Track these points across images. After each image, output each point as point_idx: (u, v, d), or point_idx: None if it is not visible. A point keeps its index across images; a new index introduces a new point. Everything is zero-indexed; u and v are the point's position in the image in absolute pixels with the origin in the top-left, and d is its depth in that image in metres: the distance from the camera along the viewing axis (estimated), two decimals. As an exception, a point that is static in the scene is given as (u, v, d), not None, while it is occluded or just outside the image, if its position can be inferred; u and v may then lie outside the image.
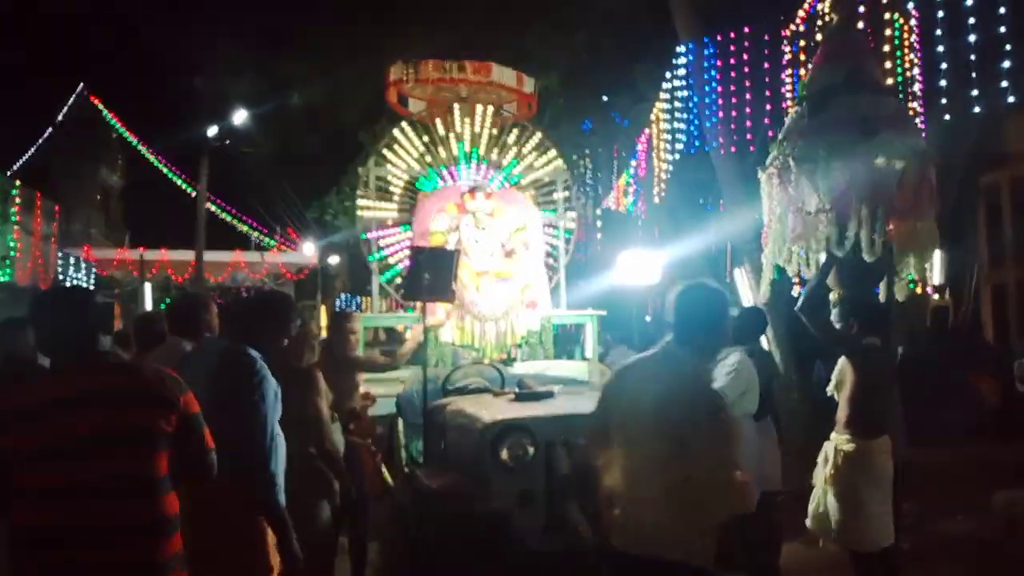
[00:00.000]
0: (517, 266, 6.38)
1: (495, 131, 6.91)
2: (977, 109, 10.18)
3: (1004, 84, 9.70)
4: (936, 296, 11.92)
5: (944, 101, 10.55)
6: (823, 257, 4.10)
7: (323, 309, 20.37)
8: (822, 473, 3.91)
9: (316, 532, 3.27)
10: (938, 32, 10.15)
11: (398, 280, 6.53)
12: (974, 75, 9.89)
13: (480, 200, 6.43)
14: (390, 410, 5.51)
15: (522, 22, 10.64)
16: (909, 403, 9.37)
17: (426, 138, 6.85)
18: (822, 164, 3.89)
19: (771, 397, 4.95)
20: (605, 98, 13.37)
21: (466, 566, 3.54)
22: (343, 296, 25.19)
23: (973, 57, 9.75)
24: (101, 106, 21.15)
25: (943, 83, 10.49)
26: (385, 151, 6.83)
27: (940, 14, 9.88)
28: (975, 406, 10.91)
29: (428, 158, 6.81)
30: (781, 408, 5.15)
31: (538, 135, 7.13)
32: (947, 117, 10.97)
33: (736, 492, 2.44)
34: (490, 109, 6.92)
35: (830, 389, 4.08)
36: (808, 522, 4.02)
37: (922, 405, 10.30)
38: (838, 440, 3.87)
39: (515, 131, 7.06)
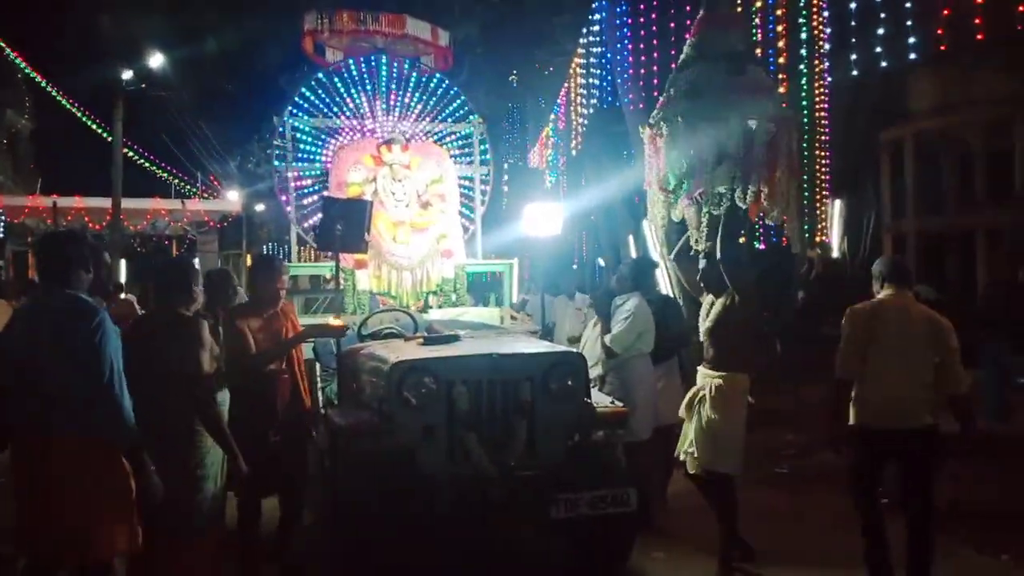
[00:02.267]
0: (433, 217, 6.61)
1: (411, 83, 7.04)
2: (884, 64, 10.73)
3: (910, 40, 10.21)
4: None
5: (853, 57, 11.08)
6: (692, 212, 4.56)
7: (248, 258, 20.13)
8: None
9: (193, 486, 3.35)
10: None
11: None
12: (880, 32, 10.40)
13: (397, 152, 6.60)
14: (307, 355, 5.73)
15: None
16: (805, 345, 10.13)
17: (342, 89, 6.94)
18: (686, 127, 4.28)
19: (672, 339, 5.42)
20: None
21: (375, 496, 3.79)
22: (269, 245, 24.85)
23: (882, 15, 10.24)
24: (3, 44, 19.91)
25: (852, 40, 10.98)
26: (300, 101, 6.89)
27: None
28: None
29: (344, 109, 6.92)
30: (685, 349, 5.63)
31: (454, 89, 7.30)
32: (854, 73, 11.55)
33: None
34: (406, 63, 7.04)
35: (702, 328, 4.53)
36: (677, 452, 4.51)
37: (815, 348, 11.15)
38: (704, 374, 4.36)
39: (431, 84, 7.20)
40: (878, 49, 9.74)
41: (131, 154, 20.12)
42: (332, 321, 4.53)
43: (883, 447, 3.86)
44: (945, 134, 15.46)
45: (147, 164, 22.11)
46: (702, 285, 4.51)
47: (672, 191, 4.55)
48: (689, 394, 4.47)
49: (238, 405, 3.69)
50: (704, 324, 4.42)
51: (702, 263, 4.50)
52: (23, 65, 20.69)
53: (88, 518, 2.91)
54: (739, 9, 9.26)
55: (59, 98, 19.90)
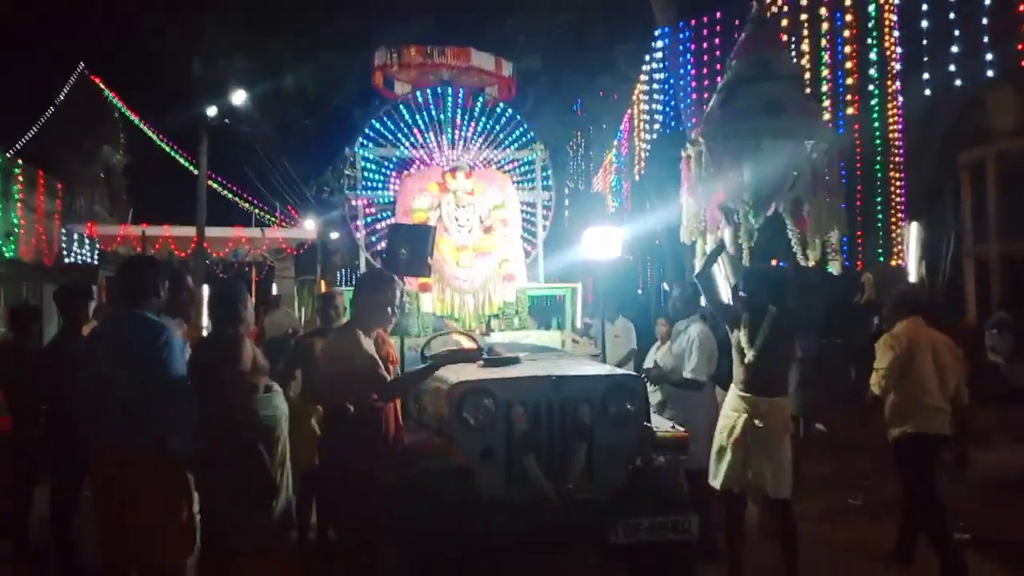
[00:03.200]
0: (495, 241, 6.72)
1: (476, 113, 7.23)
2: (958, 83, 10.36)
3: (987, 57, 9.82)
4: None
5: (926, 76, 10.76)
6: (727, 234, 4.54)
7: (323, 283, 20.76)
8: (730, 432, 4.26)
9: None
10: (923, 7, 10.29)
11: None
12: (955, 50, 10.08)
13: (460, 179, 6.77)
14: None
15: (504, 4, 10.90)
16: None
17: (409, 120, 7.19)
18: (730, 148, 4.28)
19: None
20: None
21: (434, 517, 3.84)
22: (343, 270, 25.56)
23: (956, 32, 9.93)
24: (101, 85, 21.37)
25: (925, 59, 10.67)
26: (370, 132, 7.17)
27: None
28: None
29: (411, 140, 7.15)
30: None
31: (517, 117, 7.45)
32: (927, 92, 11.19)
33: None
34: (471, 92, 7.25)
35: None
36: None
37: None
38: (745, 398, 4.25)
39: (495, 113, 7.38)
40: (952, 67, 9.44)
41: (215, 186, 21.18)
42: (465, 343, 4.45)
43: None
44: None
45: (230, 195, 23.22)
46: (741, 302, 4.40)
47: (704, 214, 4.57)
48: (729, 421, 4.30)
49: (344, 440, 3.60)
50: (746, 347, 4.28)
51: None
52: (119, 104, 22.12)
53: (153, 526, 3.08)
54: (784, 33, 9.18)
55: (150, 134, 21.18)
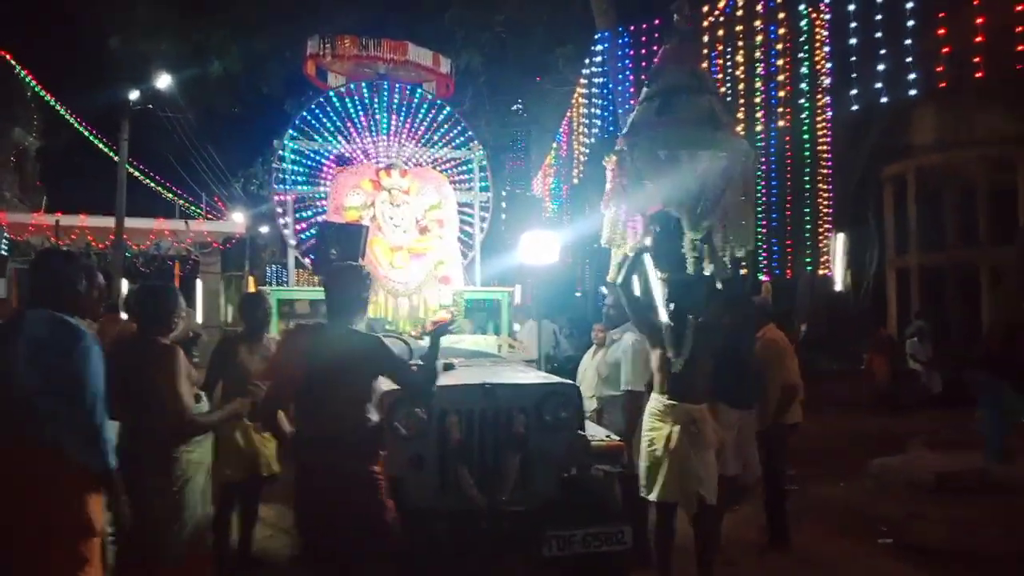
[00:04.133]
0: (431, 243, 6.57)
1: (412, 109, 7.06)
2: (884, 100, 10.72)
3: (911, 76, 10.17)
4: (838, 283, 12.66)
5: (854, 92, 11.08)
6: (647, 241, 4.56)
7: (251, 280, 20.15)
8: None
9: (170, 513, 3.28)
10: (852, 24, 10.57)
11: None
12: (881, 67, 10.41)
13: (395, 177, 6.59)
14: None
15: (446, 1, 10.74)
16: (807, 379, 10.03)
17: (343, 114, 6.95)
18: (667, 157, 4.28)
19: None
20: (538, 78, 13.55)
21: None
22: (272, 266, 24.86)
23: (883, 51, 10.25)
24: (13, 62, 20.12)
25: (853, 75, 10.99)
26: (301, 125, 6.90)
27: (851, 7, 10.31)
28: (868, 383, 11.72)
29: (344, 134, 6.92)
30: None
31: (455, 115, 7.31)
32: (855, 108, 11.55)
33: None
34: (407, 89, 7.07)
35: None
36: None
37: (818, 381, 11.04)
38: (675, 407, 4.22)
39: (433, 110, 7.22)
40: (879, 85, 9.76)
41: (136, 174, 20.23)
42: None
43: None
44: (947, 170, 15.49)
45: (152, 184, 22.24)
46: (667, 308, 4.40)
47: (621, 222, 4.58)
48: (661, 431, 4.20)
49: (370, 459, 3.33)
50: (673, 356, 4.25)
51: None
52: (32, 83, 20.90)
53: (48, 538, 2.82)
54: (719, 43, 9.34)
55: (66, 116, 20.08)
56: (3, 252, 17.72)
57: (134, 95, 16.12)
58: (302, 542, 3.25)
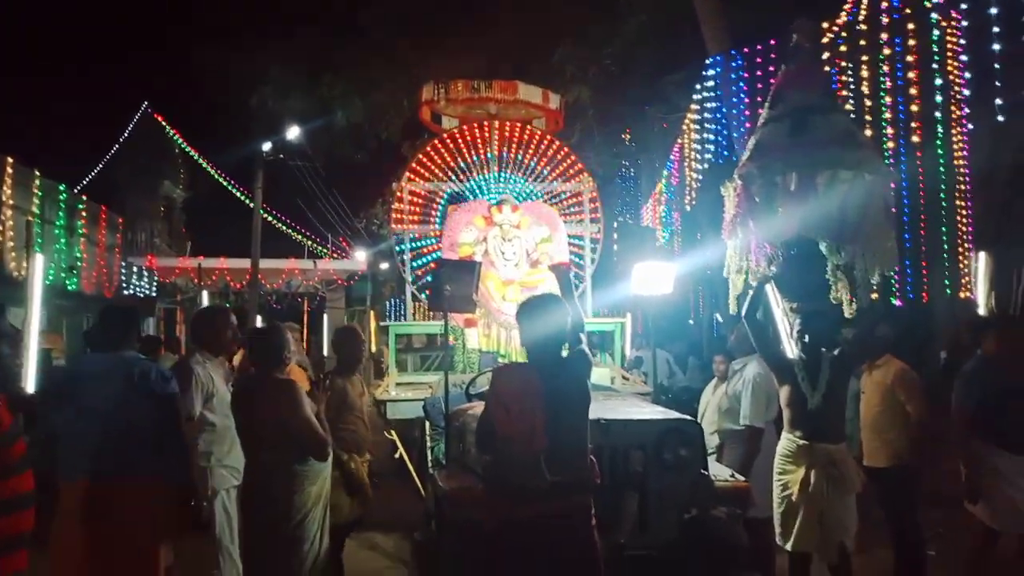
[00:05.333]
0: (542, 275, 6.57)
1: (523, 147, 7.16)
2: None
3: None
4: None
5: (999, 102, 10.27)
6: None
7: (372, 313, 20.92)
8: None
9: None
10: (994, 29, 9.83)
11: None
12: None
13: (507, 213, 6.66)
14: (418, 414, 5.78)
15: (553, 36, 10.88)
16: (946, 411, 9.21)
17: (456, 154, 7.15)
18: (803, 180, 4.05)
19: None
20: (645, 107, 13.45)
21: (477, 568, 3.65)
22: (392, 300, 25.75)
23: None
24: (164, 123, 22.17)
25: (996, 83, 10.20)
26: (416, 167, 7.14)
27: (993, 10, 9.58)
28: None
29: (457, 173, 7.11)
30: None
31: (564, 149, 7.35)
32: (1000, 118, 10.68)
33: None
34: (517, 127, 7.18)
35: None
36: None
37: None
38: (813, 447, 3.96)
39: (542, 145, 7.29)
40: (1024, 92, 8.96)
41: (269, 218, 21.64)
42: None
43: None
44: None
45: (283, 227, 23.69)
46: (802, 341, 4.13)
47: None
48: (796, 474, 3.95)
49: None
50: (808, 392, 4.00)
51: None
52: (179, 140, 22.88)
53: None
54: (841, 59, 8.88)
55: (208, 169, 21.82)
56: (152, 293, 19.32)
57: (267, 147, 17.33)
58: None
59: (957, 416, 4.67)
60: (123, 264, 17.97)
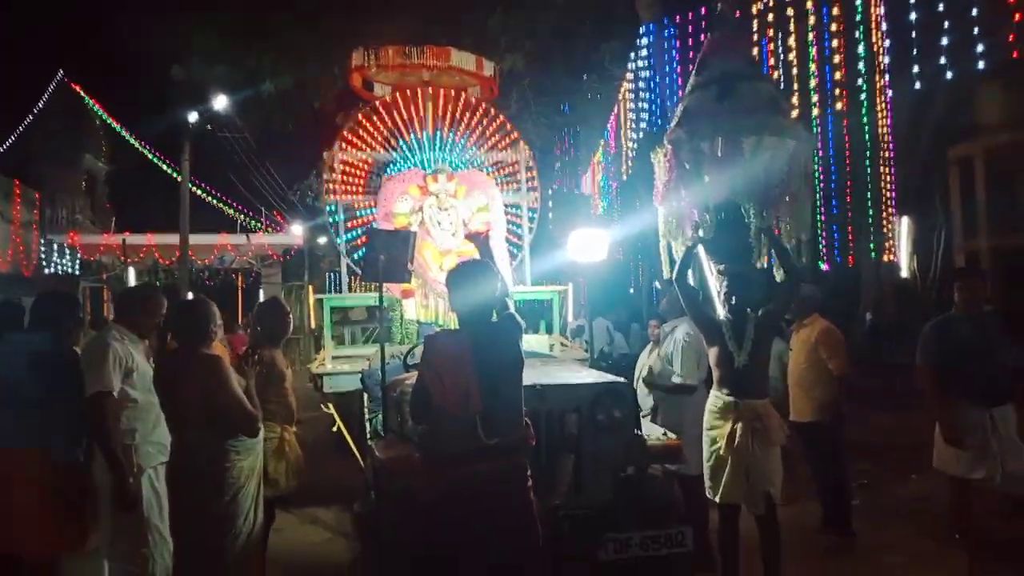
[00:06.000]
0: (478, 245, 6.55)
1: (457, 114, 7.07)
2: (949, 75, 10.22)
3: (978, 49, 9.65)
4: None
5: (916, 69, 10.63)
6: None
7: (310, 289, 20.56)
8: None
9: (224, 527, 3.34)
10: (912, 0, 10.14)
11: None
12: (944, 41, 9.95)
13: (443, 182, 6.61)
14: (356, 387, 5.73)
15: (487, 5, 10.74)
16: (876, 372, 9.65)
17: (389, 122, 7.01)
18: (730, 145, 4.12)
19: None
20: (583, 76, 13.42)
21: (415, 533, 3.65)
22: (331, 275, 25.34)
23: (946, 24, 9.79)
24: (82, 93, 21.10)
25: (914, 51, 10.55)
26: (349, 135, 6.99)
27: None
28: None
29: (391, 142, 6.98)
30: None
31: (500, 118, 7.30)
32: (917, 86, 11.07)
33: None
34: (452, 94, 7.09)
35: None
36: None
37: (885, 372, 10.61)
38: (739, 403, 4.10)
39: (477, 114, 7.22)
40: (942, 60, 9.28)
41: (199, 192, 20.92)
42: None
43: None
44: (1018, 149, 14.72)
45: (214, 201, 22.96)
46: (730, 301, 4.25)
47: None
48: (723, 428, 4.07)
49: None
50: (735, 351, 4.13)
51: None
52: (100, 112, 21.84)
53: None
54: (770, 28, 9.06)
55: (132, 142, 20.92)
56: (76, 271, 18.54)
57: (194, 118, 16.68)
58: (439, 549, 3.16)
59: (920, 373, 4.96)
60: (43, 241, 17.13)
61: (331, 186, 7.03)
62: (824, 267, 10.42)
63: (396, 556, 3.65)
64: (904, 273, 13.36)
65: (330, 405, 6.53)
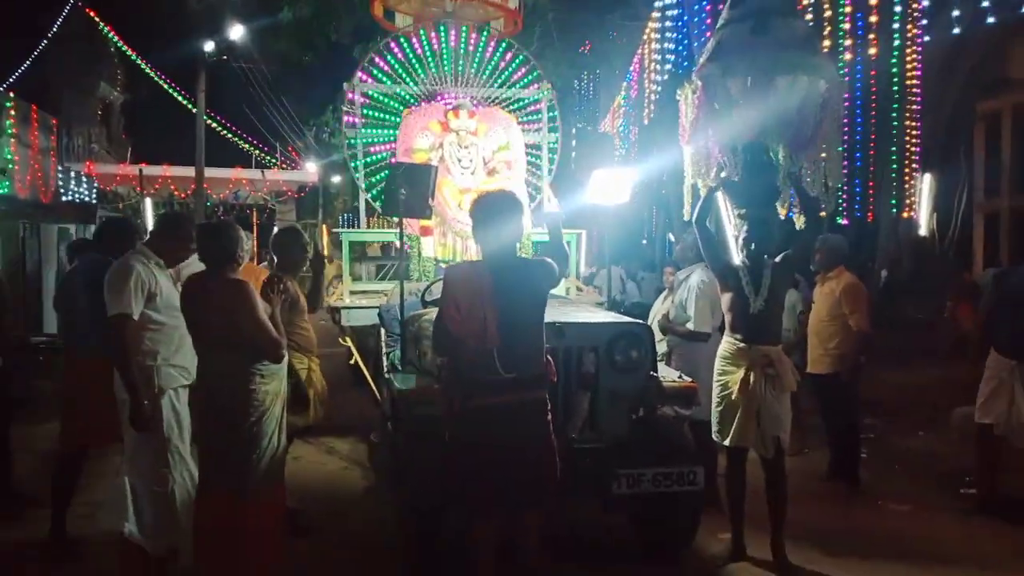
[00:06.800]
0: (499, 184, 6.49)
1: (480, 48, 6.93)
2: (991, 20, 9.78)
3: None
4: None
5: (956, 14, 10.21)
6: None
7: (324, 227, 20.56)
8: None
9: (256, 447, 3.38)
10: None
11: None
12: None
13: (464, 119, 6.51)
14: (373, 322, 5.79)
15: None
16: (887, 326, 9.61)
17: (410, 54, 6.89)
18: (764, 82, 4.02)
19: None
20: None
21: (436, 463, 3.73)
22: (344, 216, 25.32)
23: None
24: (97, 19, 20.75)
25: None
26: (369, 67, 6.87)
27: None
28: (952, 331, 11.17)
29: (412, 75, 6.87)
30: None
31: (523, 54, 7.15)
32: (955, 31, 10.64)
33: None
34: (475, 26, 6.93)
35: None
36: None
37: (901, 329, 10.59)
38: (754, 348, 4.09)
39: (500, 49, 7.07)
40: (984, 3, 8.87)
41: (214, 125, 20.75)
42: None
43: None
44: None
45: (230, 135, 22.80)
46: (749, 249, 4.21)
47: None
48: (736, 374, 4.09)
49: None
50: (751, 296, 4.11)
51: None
52: (115, 39, 21.54)
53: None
54: None
55: (147, 70, 20.66)
56: (93, 200, 18.56)
57: (209, 47, 16.43)
58: (467, 487, 3.20)
59: (975, 323, 5.10)
60: (60, 169, 17.10)
61: (350, 118, 6.95)
62: (843, 221, 10.28)
63: (414, 484, 3.74)
64: (923, 231, 13.17)
65: (348, 339, 6.61)
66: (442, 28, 6.92)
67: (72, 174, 17.95)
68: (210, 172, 18.39)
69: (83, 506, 4.33)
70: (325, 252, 12.33)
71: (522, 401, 3.13)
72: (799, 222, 4.47)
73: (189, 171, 18.05)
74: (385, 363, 5.28)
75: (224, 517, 3.32)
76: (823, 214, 5.00)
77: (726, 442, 4.19)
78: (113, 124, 27.12)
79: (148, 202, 18.10)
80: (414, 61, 6.92)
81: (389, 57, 6.91)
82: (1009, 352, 4.86)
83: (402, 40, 6.97)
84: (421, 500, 3.72)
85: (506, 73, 7.08)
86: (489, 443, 3.11)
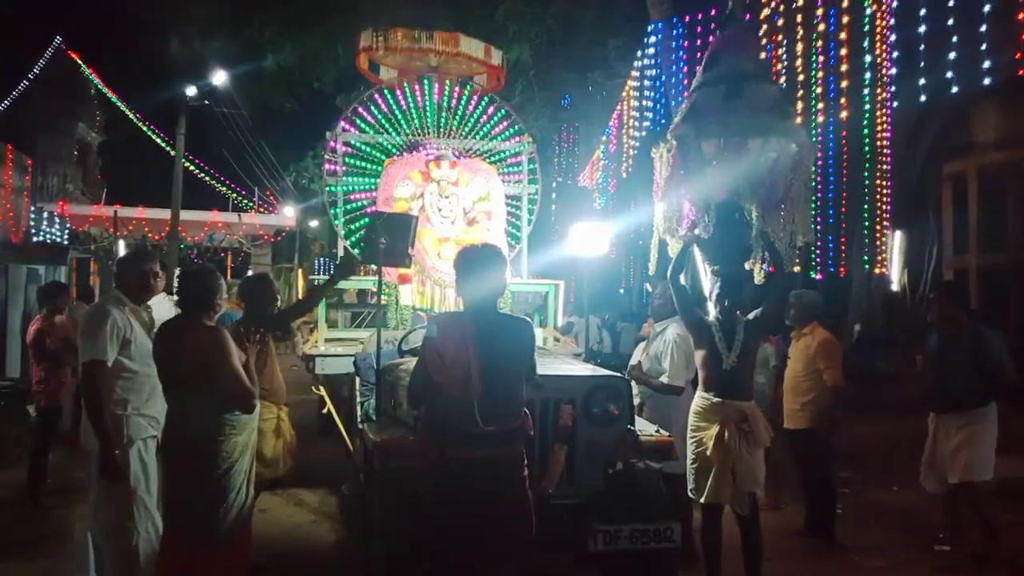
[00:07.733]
0: (478, 234, 6.53)
1: (462, 102, 7.04)
2: (955, 90, 10.22)
3: (985, 65, 9.66)
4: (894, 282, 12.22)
5: (922, 83, 10.63)
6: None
7: (300, 272, 20.49)
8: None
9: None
10: (921, 12, 10.12)
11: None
12: (952, 56, 9.94)
13: (445, 169, 6.58)
14: (348, 371, 5.71)
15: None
16: (860, 379, 9.71)
17: (394, 106, 6.98)
18: (736, 144, 4.13)
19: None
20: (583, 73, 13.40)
21: (409, 516, 3.67)
22: (321, 260, 25.25)
23: (954, 39, 9.79)
24: (79, 61, 20.86)
25: (921, 64, 10.54)
26: (353, 117, 6.95)
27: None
28: (922, 385, 11.28)
29: (395, 126, 6.95)
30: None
31: (504, 108, 7.27)
32: (922, 99, 11.08)
33: None
34: (458, 80, 7.05)
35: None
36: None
37: (873, 383, 10.70)
38: (727, 404, 4.12)
39: (483, 103, 7.19)
40: (948, 74, 9.29)
41: (192, 168, 20.74)
42: None
43: None
44: (1010, 168, 14.85)
45: (207, 178, 22.79)
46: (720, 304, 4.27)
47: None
48: (710, 430, 4.09)
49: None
50: (724, 352, 4.15)
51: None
52: (96, 81, 21.60)
53: None
54: (777, 34, 9.06)
55: (127, 112, 20.70)
56: (65, 241, 18.33)
57: (191, 92, 16.51)
58: (441, 542, 3.13)
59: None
60: (33, 209, 16.92)
61: (331, 166, 6.99)
62: (816, 276, 10.47)
63: (387, 538, 3.65)
64: (895, 286, 13.45)
65: (321, 387, 6.51)
66: (426, 81, 7.04)
67: (45, 214, 17.76)
68: (186, 215, 18.28)
69: (45, 559, 4.17)
70: (301, 297, 12.26)
71: (500, 455, 3.10)
72: (758, 277, 4.54)
73: (164, 213, 17.93)
74: (359, 413, 5.20)
75: (188, 571, 3.21)
76: (797, 269, 5.08)
77: (702, 499, 4.16)
78: (89, 164, 27.00)
79: (121, 243, 17.91)
80: (398, 113, 7.01)
81: (373, 108, 7.00)
82: (932, 406, 5.09)
83: (387, 92, 7.07)
84: (393, 554, 3.63)
85: (488, 126, 7.20)
86: (465, 497, 3.06)
